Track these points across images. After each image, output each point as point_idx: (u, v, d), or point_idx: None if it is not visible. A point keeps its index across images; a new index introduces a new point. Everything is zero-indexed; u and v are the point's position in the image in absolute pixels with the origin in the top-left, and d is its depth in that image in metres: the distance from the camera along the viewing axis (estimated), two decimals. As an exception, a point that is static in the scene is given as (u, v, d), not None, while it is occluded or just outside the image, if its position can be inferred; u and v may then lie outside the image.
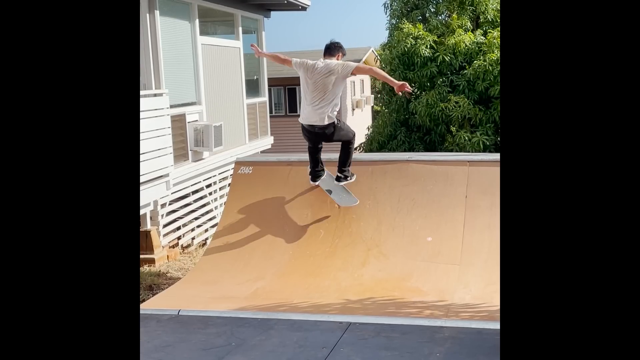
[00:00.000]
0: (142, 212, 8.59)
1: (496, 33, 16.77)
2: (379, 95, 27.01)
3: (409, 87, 6.60)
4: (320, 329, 4.72)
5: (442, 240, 6.55)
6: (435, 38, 17.27)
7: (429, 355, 4.13)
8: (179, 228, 9.98)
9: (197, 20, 10.25)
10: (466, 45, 16.89)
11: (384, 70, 19.34)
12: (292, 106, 23.07)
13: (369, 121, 26.79)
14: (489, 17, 17.93)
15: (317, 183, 7.25)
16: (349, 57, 23.59)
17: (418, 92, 17.91)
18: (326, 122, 6.81)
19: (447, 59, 16.76)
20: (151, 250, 8.77)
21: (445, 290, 5.92)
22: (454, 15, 17.82)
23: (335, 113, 6.91)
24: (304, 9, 14.32)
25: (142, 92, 8.13)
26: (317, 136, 6.99)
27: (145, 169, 7.83)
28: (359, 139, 22.98)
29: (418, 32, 17.20)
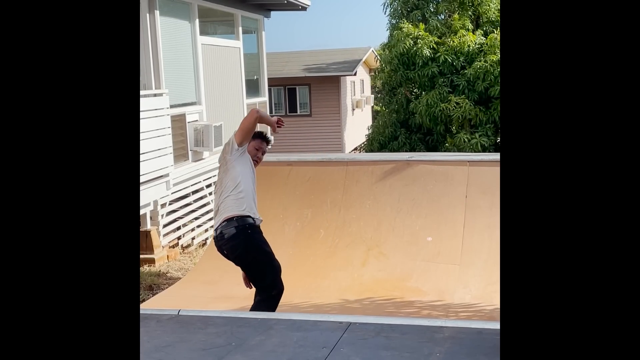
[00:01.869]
0: (142, 212, 8.59)
1: (497, 33, 16.77)
2: (379, 95, 27.03)
3: (281, 121, 5.31)
4: (320, 328, 4.71)
5: (442, 240, 6.55)
6: (436, 39, 17.28)
7: (428, 355, 4.13)
8: (179, 228, 9.98)
9: (197, 20, 10.25)
10: (468, 46, 16.90)
11: (381, 71, 19.40)
12: (292, 106, 23.08)
13: (369, 121, 26.81)
14: (490, 17, 17.92)
15: None
16: (348, 56, 23.39)
17: (418, 92, 17.91)
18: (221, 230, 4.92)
19: (448, 59, 16.76)
20: (151, 250, 8.77)
21: (445, 290, 5.92)
22: (455, 15, 17.82)
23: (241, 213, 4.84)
24: (304, 8, 14.32)
25: (142, 92, 8.13)
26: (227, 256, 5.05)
27: (146, 169, 7.83)
28: (359, 139, 23.04)
29: (418, 32, 17.20)
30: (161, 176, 8.38)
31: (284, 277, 6.43)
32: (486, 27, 17.95)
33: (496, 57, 16.08)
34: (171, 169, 8.63)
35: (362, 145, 20.48)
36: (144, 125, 7.69)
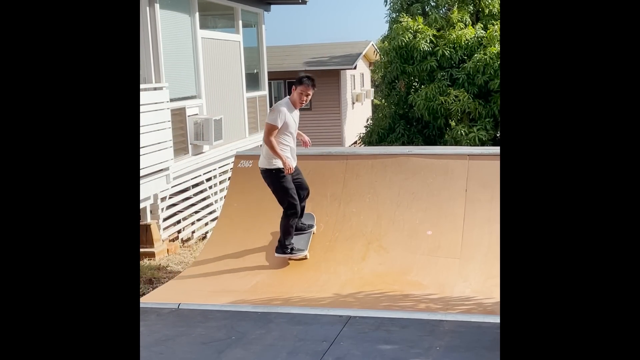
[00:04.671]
0: (142, 205, 8.58)
1: (497, 26, 16.73)
2: (379, 88, 27.01)
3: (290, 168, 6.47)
4: (320, 322, 4.72)
5: (442, 234, 6.55)
6: (435, 32, 17.25)
7: (429, 349, 4.13)
8: (179, 222, 9.98)
9: (197, 14, 10.22)
10: (467, 40, 16.86)
11: (380, 63, 19.39)
12: (292, 100, 23.03)
13: (369, 115, 26.79)
14: (492, 10, 17.87)
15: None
16: (348, 50, 23.27)
17: (417, 86, 17.90)
18: (260, 166, 6.60)
19: (447, 53, 16.73)
20: (151, 244, 8.76)
21: (445, 284, 5.92)
22: (455, 9, 17.78)
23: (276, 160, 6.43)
24: (304, 2, 14.30)
25: (142, 86, 8.12)
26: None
27: (146, 162, 7.82)
28: (359, 129, 22.98)
29: (417, 25, 17.17)
30: (161, 170, 8.37)
31: (284, 270, 6.45)
32: (486, 20, 17.91)
33: (496, 49, 16.05)
34: (171, 163, 8.63)
35: (361, 135, 20.44)
36: (144, 118, 7.68)
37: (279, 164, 6.40)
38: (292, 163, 6.52)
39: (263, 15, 13.47)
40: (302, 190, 6.79)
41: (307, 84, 6.47)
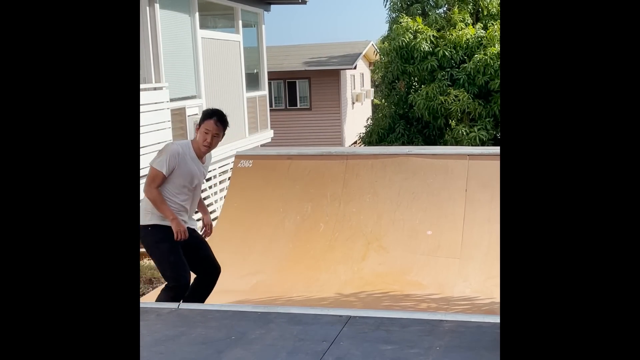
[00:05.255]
0: (142, 205, 8.58)
1: (497, 26, 16.75)
2: (379, 88, 27.03)
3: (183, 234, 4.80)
4: (320, 322, 4.72)
5: (442, 234, 6.55)
6: (435, 33, 17.26)
7: (429, 349, 4.13)
8: (179, 222, 9.97)
9: (197, 14, 10.23)
10: (467, 39, 16.88)
11: (380, 63, 19.40)
12: (292, 100, 23.07)
13: (368, 115, 26.82)
14: (492, 10, 17.88)
15: None
16: (348, 50, 23.42)
17: (417, 86, 17.91)
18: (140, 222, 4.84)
19: (447, 53, 16.74)
20: (151, 244, 8.75)
21: (445, 284, 5.93)
22: (455, 9, 17.79)
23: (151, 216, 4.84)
24: (304, 2, 14.33)
25: (142, 86, 8.12)
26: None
27: (146, 162, 7.82)
28: (359, 129, 23.02)
29: (417, 26, 17.18)
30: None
31: (284, 270, 6.44)
32: (486, 20, 17.93)
33: (496, 49, 16.07)
34: (171, 163, 8.62)
35: (361, 135, 20.46)
36: (143, 118, 7.69)
37: (157, 219, 4.79)
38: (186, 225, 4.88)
39: (263, 15, 13.48)
40: (209, 269, 5.22)
41: (212, 119, 4.82)
